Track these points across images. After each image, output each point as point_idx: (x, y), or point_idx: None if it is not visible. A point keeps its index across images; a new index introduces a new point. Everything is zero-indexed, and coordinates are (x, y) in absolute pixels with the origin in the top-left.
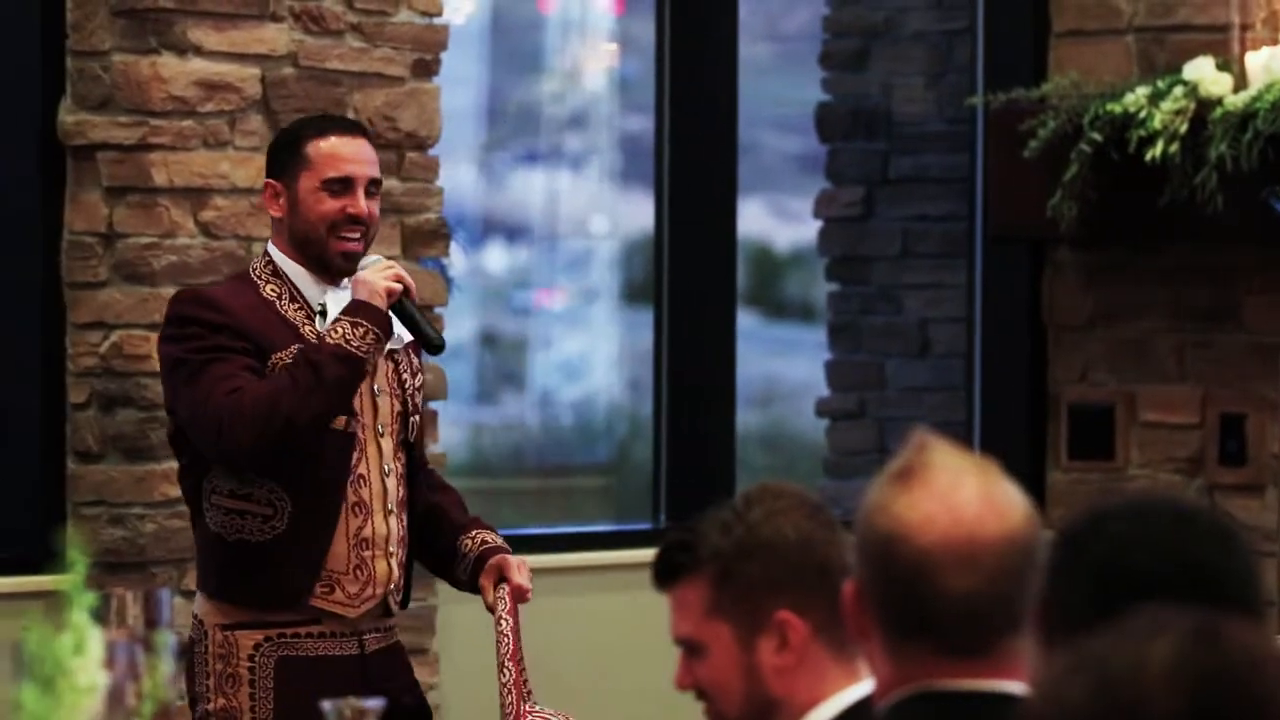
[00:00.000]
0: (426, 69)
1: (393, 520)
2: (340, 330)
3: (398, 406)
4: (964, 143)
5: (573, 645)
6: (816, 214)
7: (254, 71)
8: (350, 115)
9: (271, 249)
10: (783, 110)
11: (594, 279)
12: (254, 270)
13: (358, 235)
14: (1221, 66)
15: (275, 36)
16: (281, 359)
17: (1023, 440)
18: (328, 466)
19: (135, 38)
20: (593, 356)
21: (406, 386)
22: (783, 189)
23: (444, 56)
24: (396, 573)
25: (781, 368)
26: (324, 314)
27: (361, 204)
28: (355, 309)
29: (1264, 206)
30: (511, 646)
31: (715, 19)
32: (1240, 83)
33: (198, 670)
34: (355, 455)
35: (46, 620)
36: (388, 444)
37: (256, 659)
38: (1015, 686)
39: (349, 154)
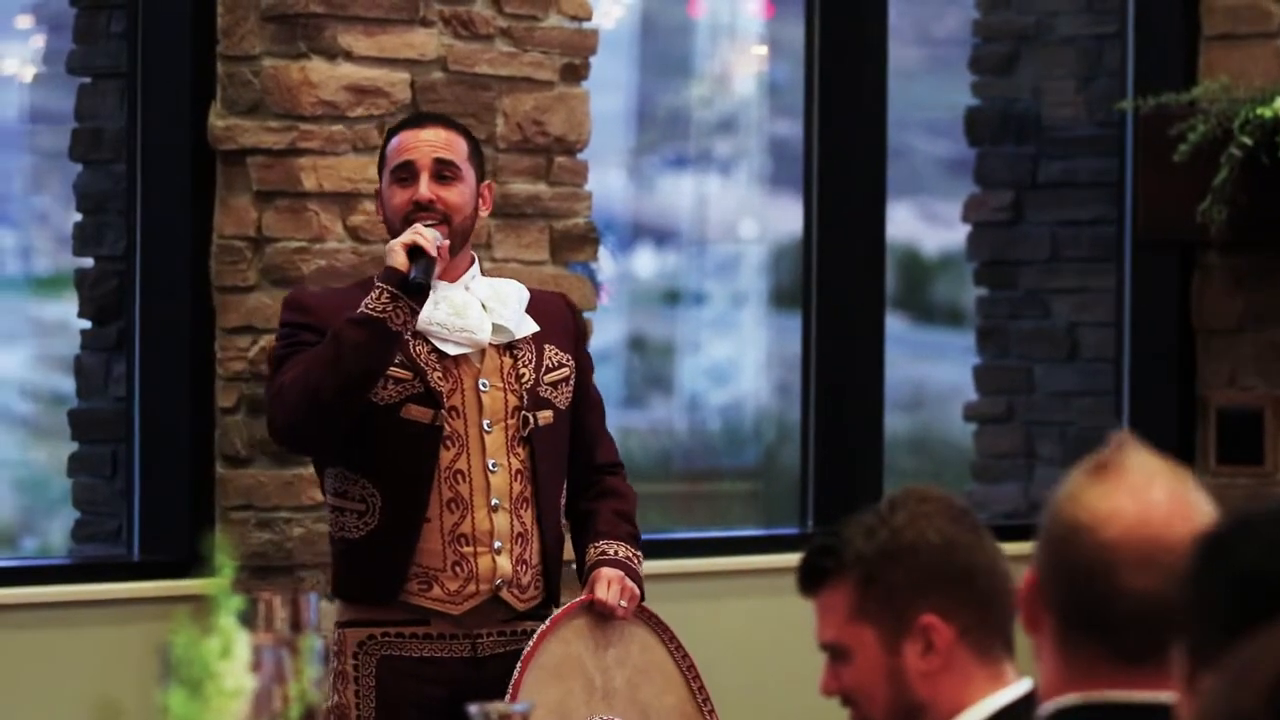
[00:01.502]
0: (575, 73)
1: (500, 516)
2: (366, 299)
3: (513, 401)
4: (1113, 147)
5: (720, 650)
6: (965, 218)
7: (403, 76)
8: (500, 120)
9: None
10: (932, 114)
11: (743, 283)
12: (378, 276)
13: (431, 221)
14: None
15: (425, 41)
16: None
17: (1171, 445)
18: (413, 462)
19: (285, 42)
20: (741, 361)
21: (525, 380)
22: (931, 193)
23: (593, 61)
24: (510, 569)
25: (930, 372)
26: (420, 289)
27: (424, 189)
28: (382, 272)
29: None
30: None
31: (865, 22)
32: None
33: (328, 665)
34: (454, 451)
35: (194, 624)
36: (496, 439)
37: (360, 657)
38: None
39: (411, 142)
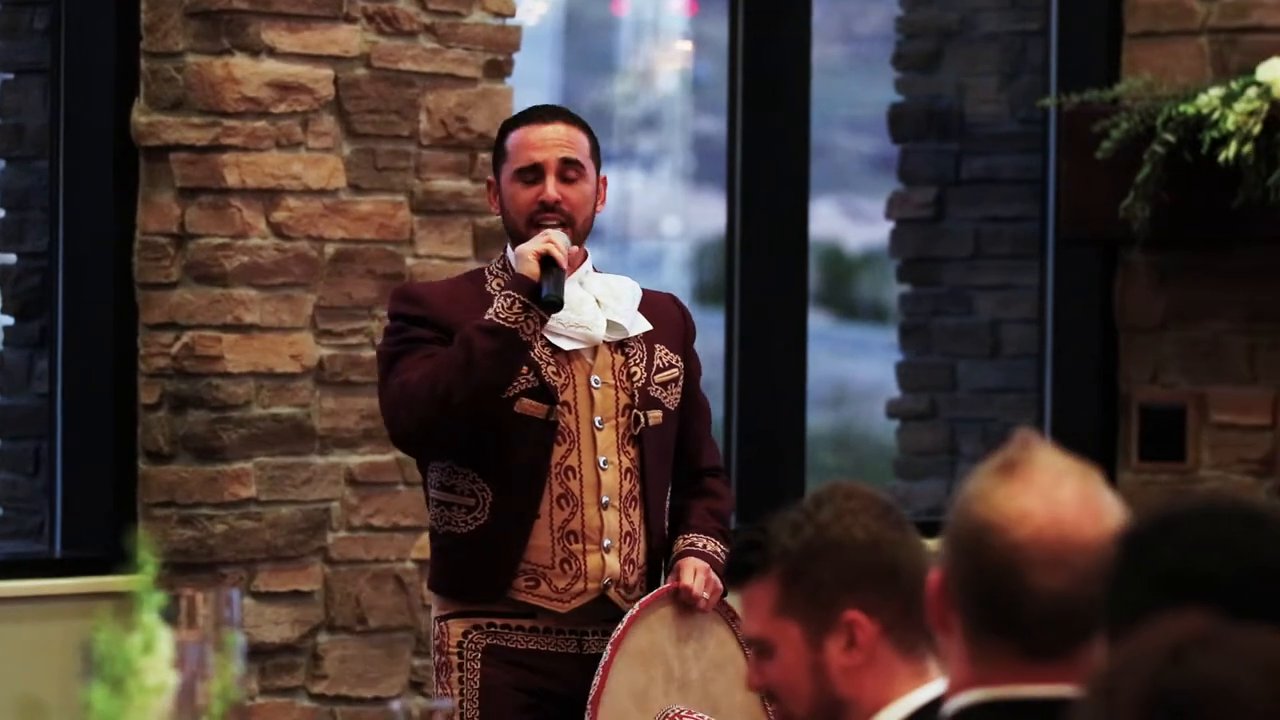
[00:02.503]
0: (499, 70)
1: (610, 514)
2: (496, 303)
3: (624, 399)
4: (1036, 144)
5: None
6: (888, 215)
7: (327, 73)
8: (423, 116)
9: (507, 245)
10: (855, 111)
11: (666, 280)
12: (489, 265)
13: (555, 222)
14: None
15: (348, 38)
16: None
17: (1093, 441)
18: (526, 456)
19: (209, 39)
20: None
21: (636, 378)
22: (855, 190)
23: (517, 57)
24: (618, 568)
25: (852, 369)
26: (551, 304)
27: (551, 190)
28: (512, 280)
29: None
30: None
31: (788, 20)
32: None
33: (432, 661)
34: (565, 447)
35: (116, 620)
36: (607, 436)
37: (464, 645)
38: None
39: (536, 140)
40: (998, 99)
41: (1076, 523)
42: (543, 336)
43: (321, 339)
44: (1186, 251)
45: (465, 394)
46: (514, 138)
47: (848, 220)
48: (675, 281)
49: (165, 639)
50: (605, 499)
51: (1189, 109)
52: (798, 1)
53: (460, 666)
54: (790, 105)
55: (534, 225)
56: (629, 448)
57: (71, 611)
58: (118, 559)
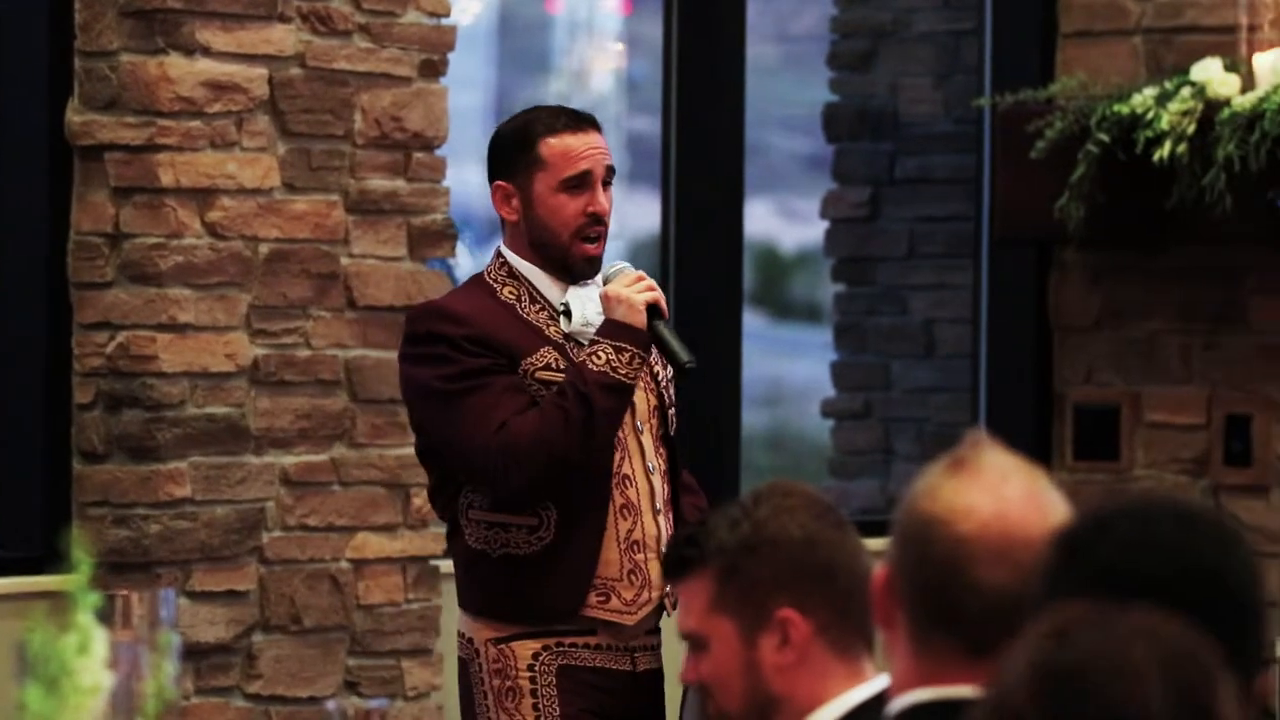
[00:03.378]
0: (434, 69)
1: (661, 520)
2: (604, 356)
3: (653, 400)
4: (971, 143)
5: None
6: (823, 214)
7: (261, 72)
8: (358, 116)
9: (506, 251)
10: (790, 111)
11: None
12: (488, 274)
13: (598, 234)
14: (1229, 67)
15: (283, 37)
16: (533, 364)
17: (1028, 441)
18: (596, 473)
19: (143, 38)
20: None
21: (659, 378)
22: (789, 189)
23: (451, 57)
24: None
25: (787, 368)
26: (568, 314)
27: (602, 200)
28: (617, 331)
29: (1271, 207)
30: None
31: (723, 20)
32: (1248, 84)
33: (475, 690)
34: (619, 455)
35: (51, 621)
36: (648, 440)
37: (536, 668)
38: None
39: (582, 149)
40: (932, 99)
41: (1022, 519)
42: (581, 344)
43: (256, 338)
44: (1121, 251)
45: (586, 454)
46: (553, 145)
47: (782, 220)
48: None
49: (100, 639)
50: (658, 505)
51: (1123, 109)
52: (732, 1)
53: (534, 693)
54: (725, 105)
55: (581, 238)
56: (661, 449)
57: (6, 611)
58: (52, 559)
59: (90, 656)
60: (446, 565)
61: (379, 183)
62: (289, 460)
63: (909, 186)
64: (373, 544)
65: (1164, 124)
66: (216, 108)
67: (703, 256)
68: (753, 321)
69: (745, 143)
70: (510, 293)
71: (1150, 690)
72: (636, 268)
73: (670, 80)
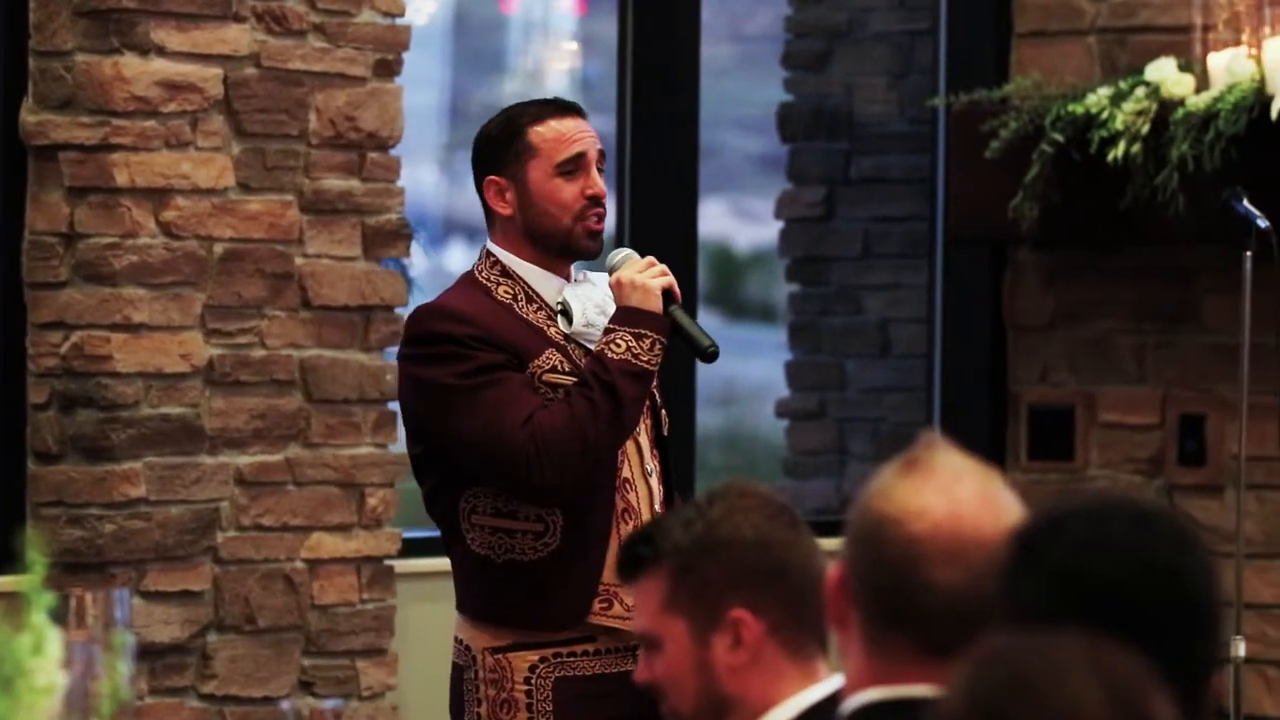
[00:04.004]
0: (388, 69)
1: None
2: (624, 344)
3: (645, 402)
4: (925, 143)
5: None
6: (778, 214)
7: (216, 72)
8: (312, 115)
9: (495, 249)
10: (744, 111)
11: None
12: (479, 272)
13: (599, 216)
14: (1183, 67)
15: (238, 37)
16: (540, 366)
17: (982, 441)
18: (601, 476)
19: (98, 38)
20: None
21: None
22: (744, 189)
23: (406, 57)
24: None
25: (741, 368)
26: (565, 313)
27: (599, 183)
28: (634, 318)
29: (1225, 207)
30: None
31: (678, 19)
32: (1202, 84)
33: (468, 698)
34: (619, 459)
35: (6, 621)
36: (644, 442)
37: (533, 681)
38: None
39: (574, 133)
40: (887, 99)
41: (975, 519)
42: (581, 345)
43: (211, 338)
44: (1075, 251)
45: (614, 444)
46: (543, 131)
47: (737, 220)
48: None
49: (55, 639)
50: (656, 507)
51: (1078, 108)
52: (687, 1)
53: (530, 707)
54: (679, 105)
55: (580, 220)
56: (655, 450)
57: None
58: (6, 559)
59: (45, 656)
60: (401, 565)
61: (333, 182)
62: (244, 460)
63: (864, 186)
64: (327, 544)
65: (1118, 124)
66: (171, 107)
67: (657, 256)
68: (707, 321)
69: (700, 143)
70: (506, 291)
71: (1089, 715)
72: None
73: (625, 80)
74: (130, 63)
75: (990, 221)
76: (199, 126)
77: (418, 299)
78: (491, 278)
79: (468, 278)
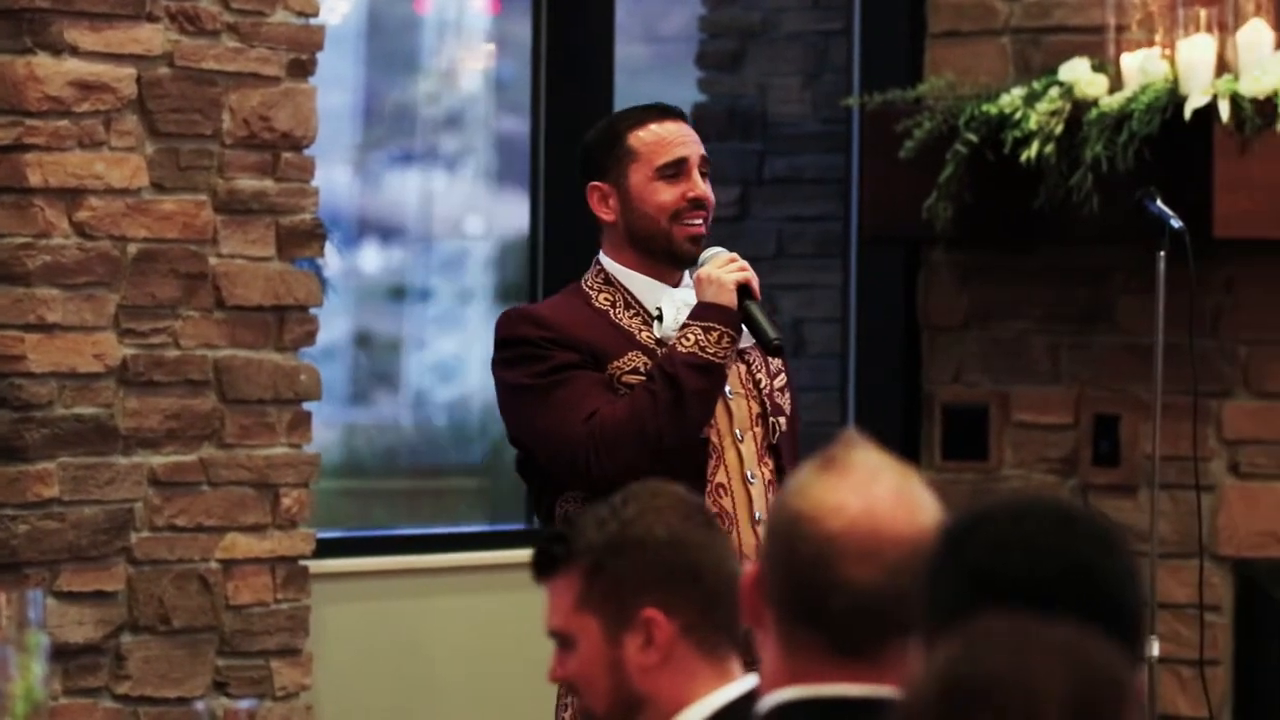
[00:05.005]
0: (302, 69)
1: (762, 530)
2: (693, 337)
3: (755, 408)
4: (840, 143)
5: (446, 646)
6: None
7: (130, 71)
8: (226, 116)
9: (603, 258)
10: None
11: (469, 279)
12: (585, 282)
13: (700, 219)
14: (1097, 68)
15: (151, 36)
16: (620, 368)
17: (897, 440)
18: (683, 477)
19: (10, 37)
20: (467, 357)
21: (763, 387)
22: None
23: (320, 57)
24: None
25: None
26: (660, 319)
27: (700, 185)
28: (705, 311)
29: (1139, 208)
30: None
31: (591, 19)
32: (1116, 84)
33: (557, 704)
34: (712, 462)
35: None
36: (749, 449)
37: None
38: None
39: (676, 137)
40: (801, 99)
41: (891, 517)
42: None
43: (125, 339)
44: (989, 251)
45: (677, 436)
46: (642, 135)
47: None
48: (478, 281)
49: None
50: (757, 514)
51: (991, 109)
52: (601, 1)
53: None
54: (593, 105)
55: (678, 222)
56: (767, 459)
57: None
58: None
59: None
60: (315, 565)
61: (247, 182)
62: (157, 460)
63: (778, 186)
64: (241, 544)
65: (1032, 124)
66: (85, 107)
67: (572, 257)
68: None
69: None
70: (605, 299)
71: (1052, 708)
72: (506, 269)
73: (539, 80)
74: (43, 63)
75: (904, 221)
76: (113, 126)
77: (331, 299)
78: (594, 285)
79: (573, 286)
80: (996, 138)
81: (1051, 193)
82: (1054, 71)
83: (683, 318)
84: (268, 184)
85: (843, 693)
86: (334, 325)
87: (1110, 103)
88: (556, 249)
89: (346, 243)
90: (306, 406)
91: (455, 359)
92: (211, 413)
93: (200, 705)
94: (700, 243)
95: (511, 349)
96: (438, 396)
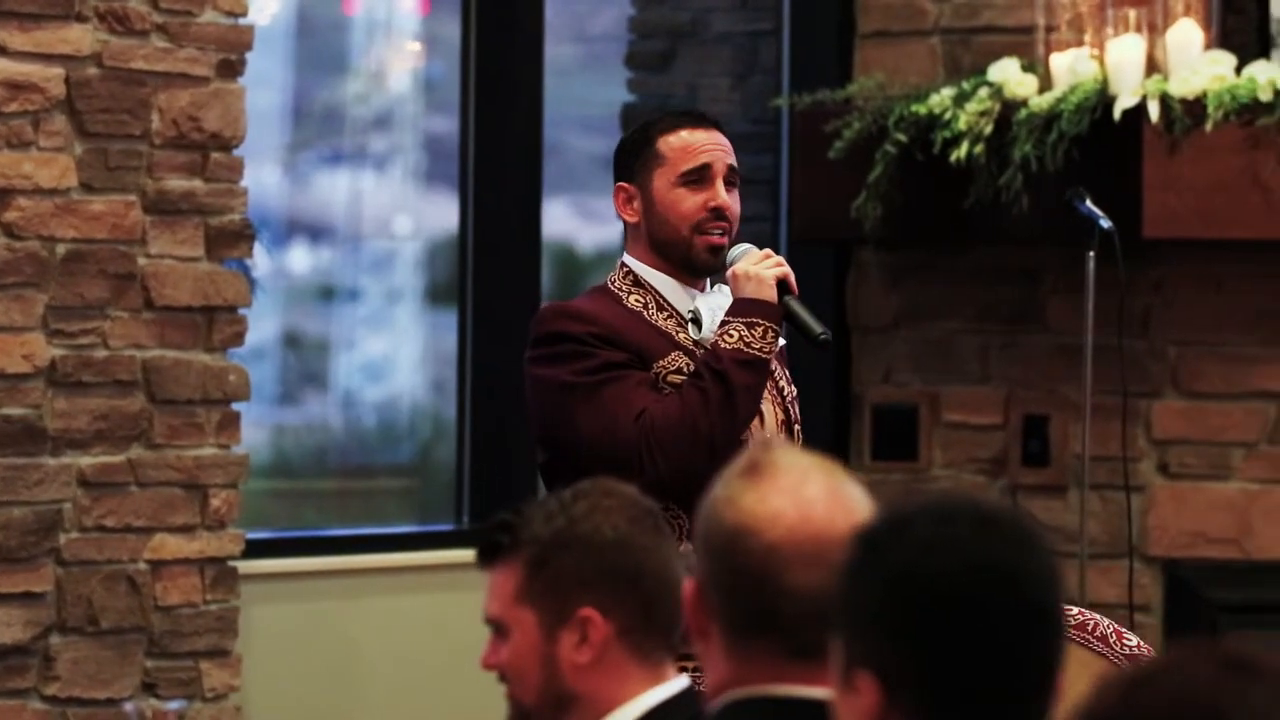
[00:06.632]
0: (231, 69)
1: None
2: (736, 333)
3: (780, 415)
4: (769, 144)
5: (376, 646)
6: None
7: (58, 71)
8: (155, 116)
9: (629, 259)
10: (588, 111)
11: (398, 280)
12: (612, 283)
13: (722, 230)
14: (1026, 68)
15: (80, 36)
16: (664, 367)
17: (826, 441)
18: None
19: None
20: (396, 357)
21: (785, 394)
22: (587, 189)
23: (249, 57)
24: None
25: None
26: (696, 321)
27: (723, 195)
28: (747, 307)
29: (1068, 208)
30: None
31: (521, 19)
32: (1045, 84)
33: None
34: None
35: None
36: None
37: None
38: None
39: (702, 144)
40: (730, 99)
41: (828, 518)
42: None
43: (53, 339)
44: (918, 251)
45: (729, 434)
46: (671, 140)
47: (580, 220)
48: (408, 281)
49: None
50: None
51: (921, 109)
52: (530, 1)
53: None
54: (522, 105)
55: (699, 232)
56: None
57: None
58: None
59: None
60: (245, 566)
61: (176, 183)
62: (86, 461)
63: None
64: (170, 545)
65: (961, 124)
66: (13, 107)
67: (501, 257)
68: None
69: (543, 143)
70: (637, 300)
71: None
72: (435, 269)
73: (468, 80)
74: None
75: (833, 222)
76: (41, 126)
77: (260, 300)
78: (623, 287)
79: (599, 287)
80: (926, 138)
81: (981, 193)
82: (983, 72)
83: (718, 320)
84: (197, 184)
85: (796, 694)
86: (263, 326)
87: (1040, 103)
88: (485, 249)
89: (275, 243)
90: (235, 407)
91: (384, 359)
92: (140, 413)
93: (129, 706)
94: (720, 254)
95: (553, 345)
96: (367, 397)
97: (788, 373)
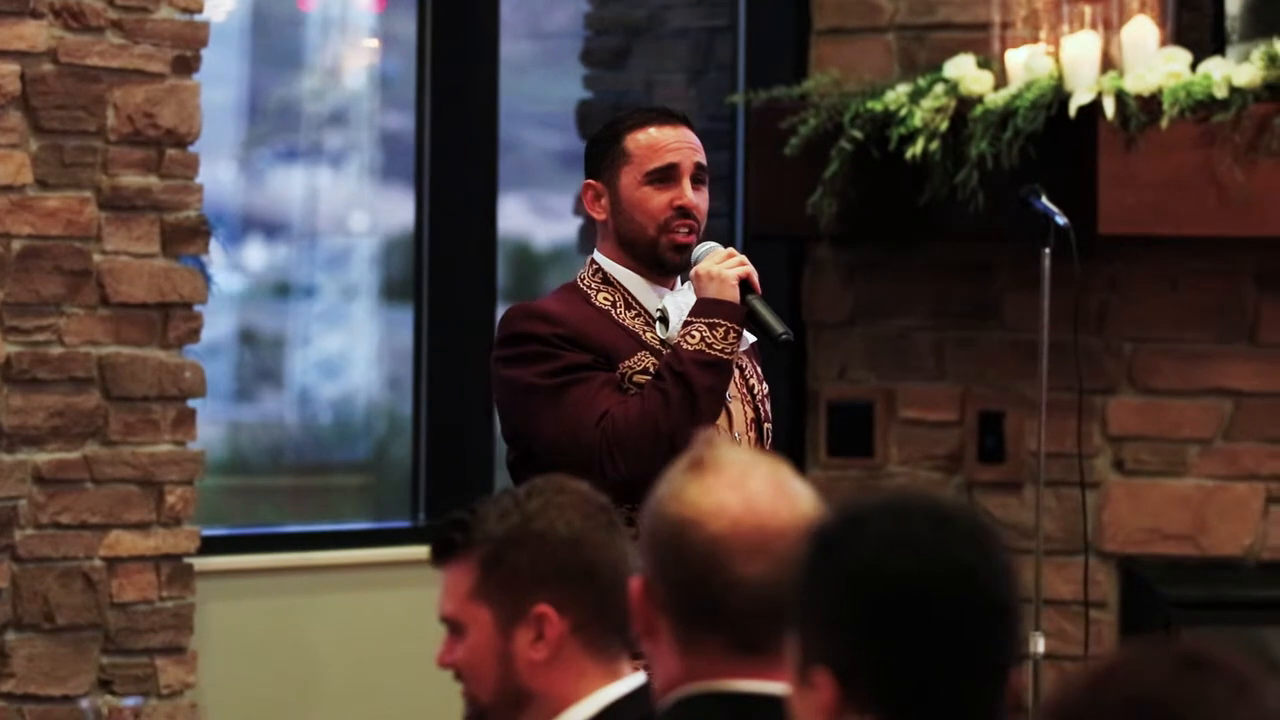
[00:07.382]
0: (186, 66)
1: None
2: (698, 334)
3: (750, 413)
4: (725, 140)
5: (331, 643)
6: (577, 211)
7: (13, 68)
8: (110, 112)
9: (598, 256)
10: (544, 107)
11: (354, 276)
12: (581, 280)
13: (689, 228)
14: (982, 64)
15: (35, 33)
16: (630, 368)
17: (782, 437)
18: None
19: None
20: (352, 354)
21: (755, 392)
22: (543, 186)
23: (204, 53)
24: None
25: None
26: (664, 320)
27: (689, 194)
28: (709, 308)
29: (1024, 205)
30: None
31: (476, 16)
32: (1001, 81)
33: None
34: None
35: None
36: (743, 434)
37: None
38: None
39: (670, 142)
40: (686, 96)
41: (772, 510)
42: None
43: (9, 336)
44: (874, 247)
45: (689, 434)
46: (638, 138)
47: (536, 217)
48: (364, 278)
49: None
50: None
51: (876, 106)
52: None
53: None
54: (478, 101)
55: (666, 232)
56: (757, 441)
57: None
58: None
59: None
60: (200, 563)
61: (132, 179)
62: (41, 458)
63: None
64: (126, 542)
65: (917, 121)
66: None
67: (456, 253)
68: None
69: (499, 139)
70: (605, 298)
71: None
72: (391, 266)
73: (424, 77)
74: None
75: (789, 218)
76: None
77: (216, 296)
78: (592, 284)
79: (569, 285)
80: (881, 134)
81: (936, 190)
82: (939, 68)
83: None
84: (152, 181)
85: (747, 689)
86: (218, 322)
87: (995, 100)
88: (441, 245)
89: (231, 239)
90: (191, 404)
91: (340, 356)
92: (96, 410)
93: (85, 703)
94: (686, 252)
95: (518, 346)
96: (323, 393)
97: (759, 369)
